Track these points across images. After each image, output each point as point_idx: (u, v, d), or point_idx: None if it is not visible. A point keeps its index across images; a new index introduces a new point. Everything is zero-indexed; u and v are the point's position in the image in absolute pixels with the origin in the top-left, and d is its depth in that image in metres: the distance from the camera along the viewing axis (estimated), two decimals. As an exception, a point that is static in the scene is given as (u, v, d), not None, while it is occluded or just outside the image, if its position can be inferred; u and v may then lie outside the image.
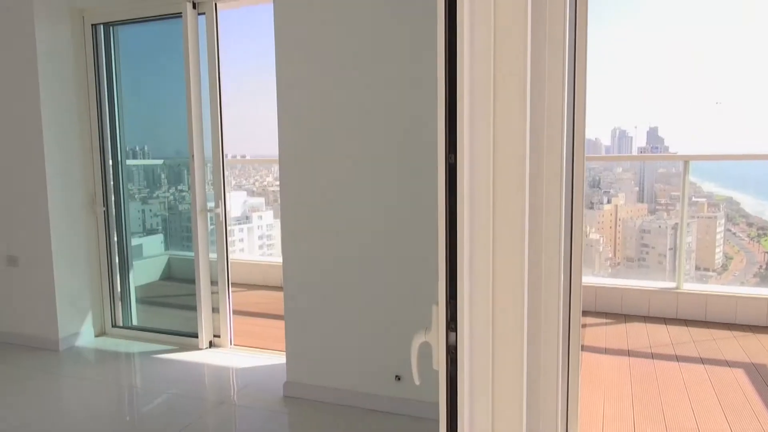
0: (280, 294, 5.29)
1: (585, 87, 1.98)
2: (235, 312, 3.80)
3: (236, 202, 6.46)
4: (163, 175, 4.08)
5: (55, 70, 3.66)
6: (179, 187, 4.03)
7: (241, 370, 3.38)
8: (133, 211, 4.07)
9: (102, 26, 3.82)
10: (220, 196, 3.58)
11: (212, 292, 3.71)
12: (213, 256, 3.70)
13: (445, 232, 0.96)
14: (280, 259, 5.77)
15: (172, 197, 4.07)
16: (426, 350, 1.04)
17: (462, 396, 0.97)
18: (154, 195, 4.08)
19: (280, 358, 3.49)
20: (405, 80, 2.58)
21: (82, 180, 3.87)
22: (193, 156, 3.54)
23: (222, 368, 3.42)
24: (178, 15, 3.51)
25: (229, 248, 3.71)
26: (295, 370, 2.95)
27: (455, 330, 0.98)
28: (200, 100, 3.53)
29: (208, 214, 3.65)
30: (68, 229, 3.79)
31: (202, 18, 3.49)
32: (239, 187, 6.76)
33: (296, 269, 2.90)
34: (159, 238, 4.16)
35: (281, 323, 4.36)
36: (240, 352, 3.66)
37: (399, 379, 2.71)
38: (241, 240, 6.34)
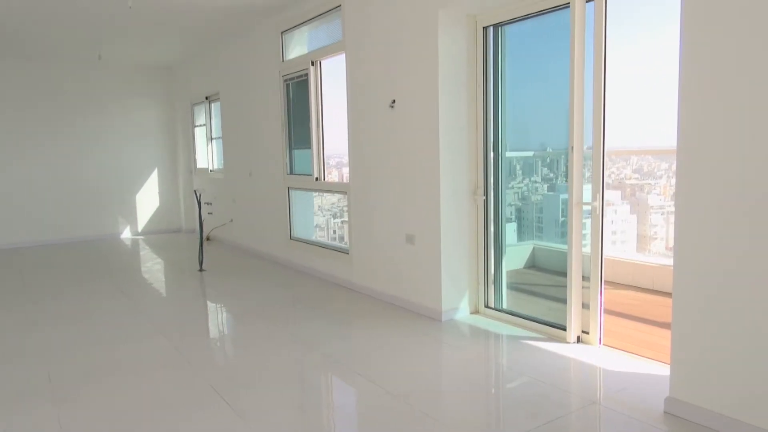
0: (652, 297, 4.90)
1: None
2: (605, 310, 3.63)
3: (587, 195, 6.39)
4: (518, 167, 4.23)
5: (451, 72, 4.11)
6: (533, 178, 4.16)
7: (611, 373, 3.22)
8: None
9: (491, 28, 4.11)
10: (598, 190, 3.46)
11: (582, 287, 3.63)
12: (583, 250, 3.62)
13: None
14: (636, 258, 5.35)
15: (525, 188, 4.21)
16: None
17: None
18: (509, 186, 4.26)
19: (655, 368, 3.19)
20: None
21: (467, 171, 4.27)
22: (572, 148, 3.50)
23: (590, 366, 3.33)
24: (564, 6, 3.50)
25: (582, 242, 3.58)
26: (682, 387, 2.64)
27: None
28: (583, 91, 3.46)
29: (583, 207, 3.58)
30: (454, 215, 4.24)
31: (589, 6, 3.40)
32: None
33: (694, 275, 2.55)
34: (513, 226, 4.33)
35: (654, 329, 4.01)
36: (609, 353, 3.49)
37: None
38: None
